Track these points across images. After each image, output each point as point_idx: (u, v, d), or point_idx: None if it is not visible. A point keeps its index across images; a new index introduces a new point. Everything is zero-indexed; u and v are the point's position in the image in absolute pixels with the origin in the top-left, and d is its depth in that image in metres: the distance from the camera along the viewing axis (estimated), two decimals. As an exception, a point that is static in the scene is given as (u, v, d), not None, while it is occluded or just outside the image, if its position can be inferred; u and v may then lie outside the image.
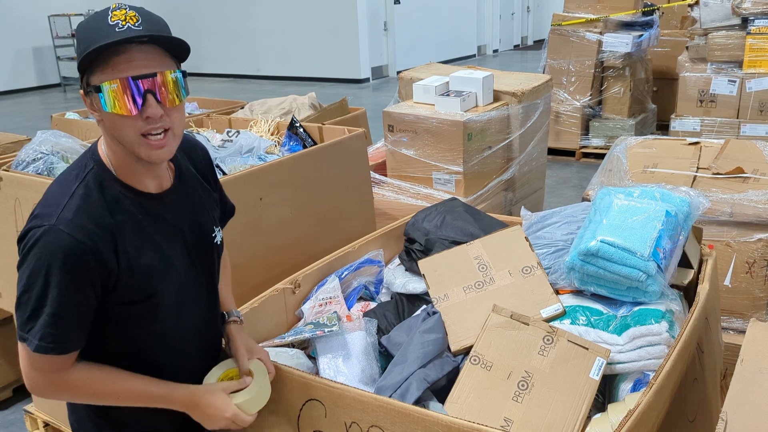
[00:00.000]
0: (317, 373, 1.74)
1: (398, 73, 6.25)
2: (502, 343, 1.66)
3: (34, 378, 1.30)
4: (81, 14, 12.59)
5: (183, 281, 1.41)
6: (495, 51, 16.25)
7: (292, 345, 1.84)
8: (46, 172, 2.63)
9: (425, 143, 3.55)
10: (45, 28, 12.93)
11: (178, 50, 1.29)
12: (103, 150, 1.34)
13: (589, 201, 2.28)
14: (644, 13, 6.50)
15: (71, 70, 12.62)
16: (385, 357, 1.83)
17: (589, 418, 1.52)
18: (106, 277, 1.27)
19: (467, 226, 2.22)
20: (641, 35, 6.31)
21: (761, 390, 1.29)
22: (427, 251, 2.15)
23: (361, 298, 2.14)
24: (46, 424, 2.85)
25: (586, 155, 6.68)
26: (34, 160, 2.67)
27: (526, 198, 4.09)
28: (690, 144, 3.16)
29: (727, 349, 2.25)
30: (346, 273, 2.14)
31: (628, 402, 1.47)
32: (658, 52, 7.07)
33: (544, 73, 6.45)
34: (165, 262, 1.36)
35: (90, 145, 1.40)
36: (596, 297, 1.85)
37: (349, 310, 2.03)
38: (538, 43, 16.80)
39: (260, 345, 1.63)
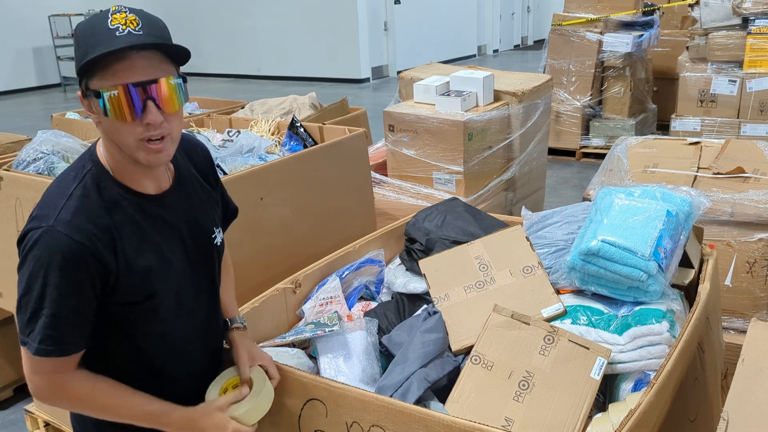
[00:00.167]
0: (318, 372, 1.74)
1: (398, 73, 6.25)
2: (503, 343, 1.66)
3: (37, 382, 1.29)
4: (81, 14, 12.58)
5: (182, 282, 1.41)
6: (495, 51, 16.24)
7: (292, 345, 1.84)
8: (46, 172, 2.63)
9: (426, 143, 3.55)
10: (45, 28, 12.93)
11: (179, 56, 1.28)
12: (101, 151, 1.34)
13: (590, 201, 2.28)
14: (644, 13, 6.50)
15: (71, 70, 12.59)
16: (385, 357, 1.83)
17: (590, 417, 1.53)
18: (105, 277, 1.26)
19: (468, 225, 2.22)
20: (641, 35, 6.31)
21: (762, 390, 1.29)
22: (427, 251, 2.15)
23: (361, 298, 2.14)
24: (47, 424, 2.86)
25: (586, 155, 6.68)
26: (34, 159, 2.67)
27: (526, 198, 4.09)
28: (690, 144, 3.16)
29: (728, 348, 2.25)
30: (346, 273, 2.14)
31: (629, 402, 1.47)
32: (659, 52, 7.07)
33: (544, 73, 6.45)
34: (164, 263, 1.36)
35: (90, 145, 1.40)
36: (597, 297, 1.85)
37: (349, 309, 2.03)
38: (539, 43, 16.79)
39: (261, 345, 1.63)
